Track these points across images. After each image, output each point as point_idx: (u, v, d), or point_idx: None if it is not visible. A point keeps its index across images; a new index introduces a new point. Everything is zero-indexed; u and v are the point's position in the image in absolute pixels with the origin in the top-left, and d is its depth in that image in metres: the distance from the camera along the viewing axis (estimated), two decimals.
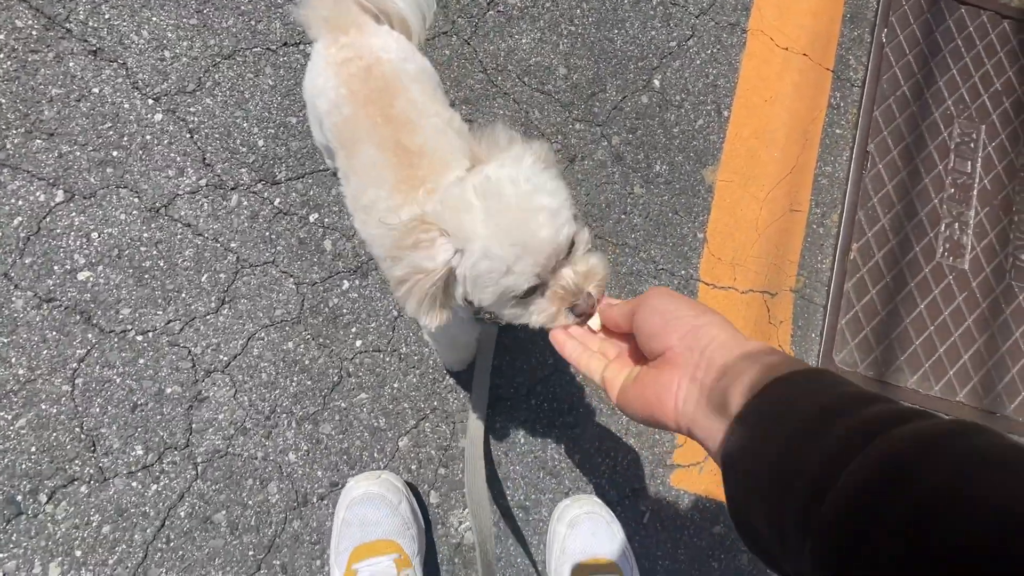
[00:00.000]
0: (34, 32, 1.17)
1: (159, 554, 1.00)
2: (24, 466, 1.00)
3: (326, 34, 0.80)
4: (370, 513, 0.96)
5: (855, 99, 1.40)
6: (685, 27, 1.36)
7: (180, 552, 1.00)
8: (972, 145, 1.42)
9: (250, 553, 1.02)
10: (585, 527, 1.00)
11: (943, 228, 1.37)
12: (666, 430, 0.47)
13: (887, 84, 1.42)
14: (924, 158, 1.40)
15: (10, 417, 1.01)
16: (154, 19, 1.20)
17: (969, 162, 1.41)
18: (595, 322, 0.60)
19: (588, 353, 0.58)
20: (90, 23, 1.18)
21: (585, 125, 1.28)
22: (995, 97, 1.45)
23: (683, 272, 1.25)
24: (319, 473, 1.06)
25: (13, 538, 0.98)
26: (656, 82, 1.33)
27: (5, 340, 1.03)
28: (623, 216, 1.25)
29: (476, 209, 0.56)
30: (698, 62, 1.35)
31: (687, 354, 0.45)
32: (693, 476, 1.15)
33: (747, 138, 1.34)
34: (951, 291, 1.34)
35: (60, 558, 0.98)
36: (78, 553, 0.98)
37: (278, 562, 1.02)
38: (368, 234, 0.79)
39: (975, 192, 1.39)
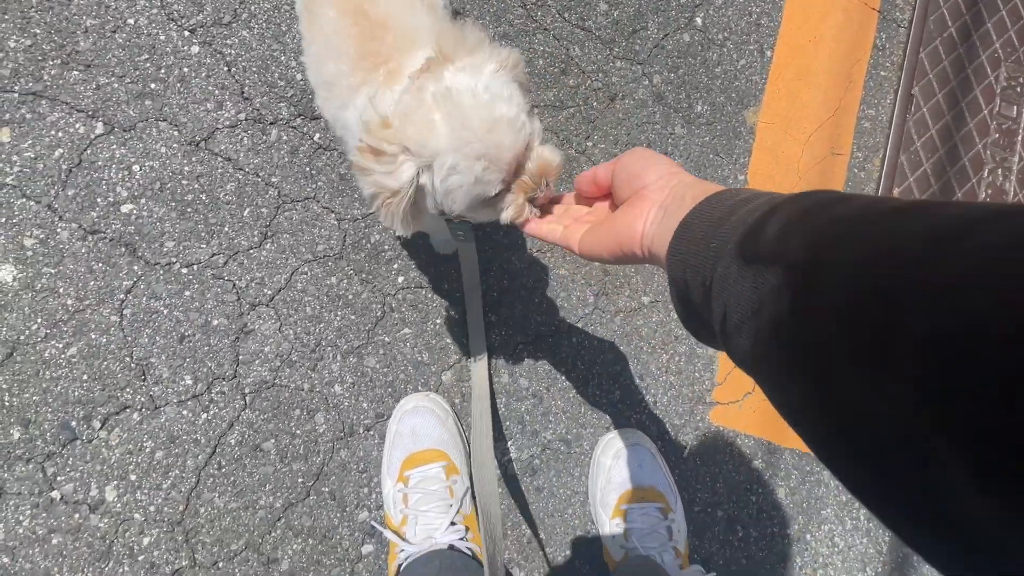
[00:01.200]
0: None
1: (211, 479, 1.02)
2: (77, 393, 1.01)
3: None
4: (420, 424, 1.00)
5: (901, 40, 1.37)
6: None
7: (232, 478, 1.02)
8: (1019, 89, 1.39)
9: (299, 480, 1.04)
10: (631, 457, 1.01)
11: (986, 174, 1.35)
12: (633, 261, 0.50)
13: (934, 25, 1.38)
14: (969, 102, 1.37)
15: (61, 346, 1.02)
16: None
17: (1015, 107, 1.38)
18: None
19: (546, 222, 0.63)
20: None
21: (626, 63, 1.26)
22: None
23: None
24: (364, 405, 1.07)
25: (69, 462, 1.00)
26: (698, 20, 1.30)
27: (52, 271, 1.04)
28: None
29: (438, 125, 0.56)
30: (741, 0, 1.32)
31: (660, 189, 0.49)
32: (732, 413, 1.16)
33: (790, 79, 1.31)
34: None
35: (115, 481, 1.00)
36: (132, 477, 1.00)
37: (327, 489, 1.04)
38: (331, 115, 0.75)
39: (1020, 138, 1.37)
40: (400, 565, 0.90)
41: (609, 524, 0.98)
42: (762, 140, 1.28)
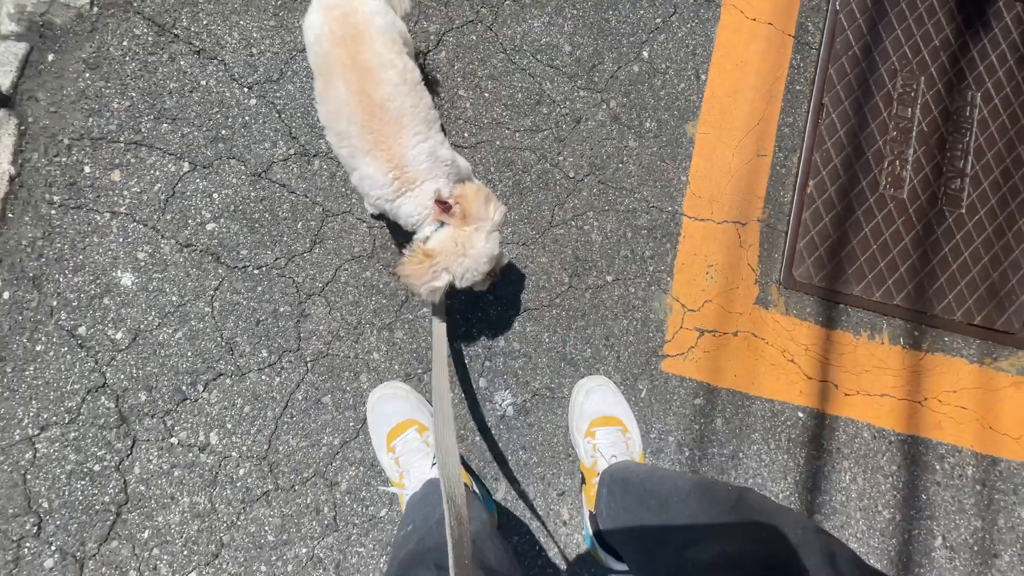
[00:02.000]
0: (149, 38, 1.48)
1: (286, 425, 1.37)
2: (184, 365, 1.36)
3: None
4: (388, 407, 1.32)
5: (813, 60, 1.68)
6: (668, 5, 1.64)
7: (300, 424, 1.37)
8: (913, 94, 1.70)
9: (350, 424, 1.38)
10: (597, 395, 1.35)
11: (886, 165, 1.66)
12: None
13: (840, 45, 1.69)
14: (871, 107, 1.68)
15: (170, 331, 1.37)
16: (242, 23, 1.51)
17: (910, 108, 1.69)
18: None
19: None
20: (192, 28, 1.49)
21: (588, 92, 1.58)
22: (933, 52, 1.71)
23: (670, 208, 1.57)
24: (396, 367, 1.42)
25: (183, 417, 1.35)
26: (645, 53, 1.62)
27: (160, 276, 1.39)
28: (620, 165, 1.56)
29: (466, 262, 1.08)
30: (680, 35, 1.64)
31: None
32: (679, 363, 1.49)
33: (721, 97, 1.63)
34: (891, 216, 1.65)
35: (216, 429, 1.35)
36: (229, 426, 1.36)
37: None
38: (338, 151, 1.10)
39: (914, 134, 1.68)
40: (407, 502, 1.20)
41: (583, 443, 1.31)
42: (700, 147, 1.60)
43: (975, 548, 1.48)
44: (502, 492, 1.40)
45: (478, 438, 1.41)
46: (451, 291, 1.14)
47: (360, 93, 1.02)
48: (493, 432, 1.41)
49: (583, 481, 1.33)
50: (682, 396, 1.47)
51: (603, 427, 1.30)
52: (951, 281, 1.63)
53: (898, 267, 1.63)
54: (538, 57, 1.57)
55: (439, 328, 1.10)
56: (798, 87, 1.66)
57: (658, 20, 1.63)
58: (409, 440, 1.25)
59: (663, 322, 1.51)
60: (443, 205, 1.06)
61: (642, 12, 1.63)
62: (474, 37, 1.56)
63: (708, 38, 1.64)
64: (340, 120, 1.05)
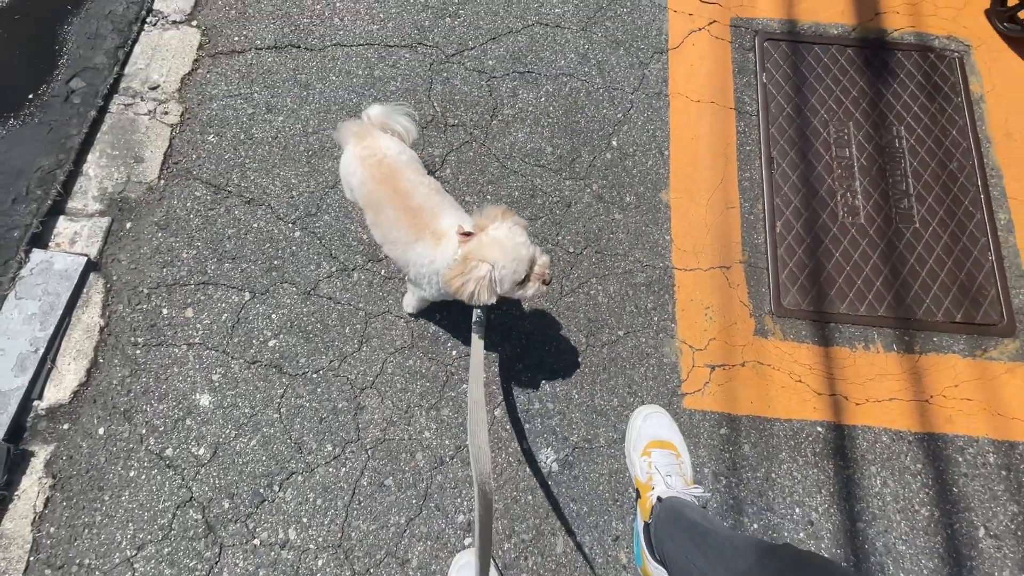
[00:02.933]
0: (207, 197, 1.80)
1: (355, 511, 1.50)
2: (260, 469, 1.52)
3: (355, 141, 1.39)
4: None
5: (755, 124, 1.99)
6: (625, 102, 1.98)
7: (368, 509, 1.50)
8: (846, 137, 1.99)
9: (413, 501, 1.51)
10: (655, 420, 1.50)
11: (839, 198, 1.91)
12: None
13: (775, 109, 2.02)
14: (813, 153, 1.96)
15: (246, 439, 1.54)
16: (282, 173, 1.83)
17: (847, 149, 1.97)
18: None
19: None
20: (242, 183, 1.82)
21: (572, 181, 1.87)
22: (855, 101, 2.03)
23: (661, 264, 1.80)
24: (446, 442, 1.57)
25: (262, 517, 1.48)
26: (614, 142, 1.93)
27: (233, 392, 1.59)
28: (611, 235, 1.82)
29: (495, 249, 1.19)
30: (639, 123, 1.96)
31: None
32: (699, 399, 1.64)
33: (685, 166, 1.92)
34: (856, 240, 1.87)
35: (294, 525, 1.48)
36: (304, 520, 1.49)
37: (433, 504, 1.51)
38: (396, 257, 1.38)
39: (856, 168, 1.95)
40: None
41: (639, 461, 1.44)
42: (676, 209, 1.87)
43: (1019, 533, 1.54)
44: (560, 546, 1.49)
45: (530, 497, 1.53)
46: (499, 307, 1.33)
47: (404, 208, 1.31)
48: (542, 490, 1.54)
49: (638, 496, 1.44)
50: (708, 429, 1.61)
51: (659, 449, 1.44)
52: (924, 287, 1.82)
53: (874, 282, 1.82)
54: (526, 160, 1.88)
55: (477, 344, 1.28)
56: (748, 147, 1.96)
57: (619, 115, 1.96)
58: None
59: (676, 364, 1.68)
60: (466, 235, 1.27)
61: (605, 111, 1.97)
62: (471, 153, 1.88)
63: (663, 121, 1.97)
64: (393, 231, 1.32)
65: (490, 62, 2.01)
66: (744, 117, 2.00)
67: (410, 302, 1.62)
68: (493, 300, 1.22)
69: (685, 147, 1.94)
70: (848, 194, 1.92)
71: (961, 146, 1.98)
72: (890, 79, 2.07)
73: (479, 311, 1.37)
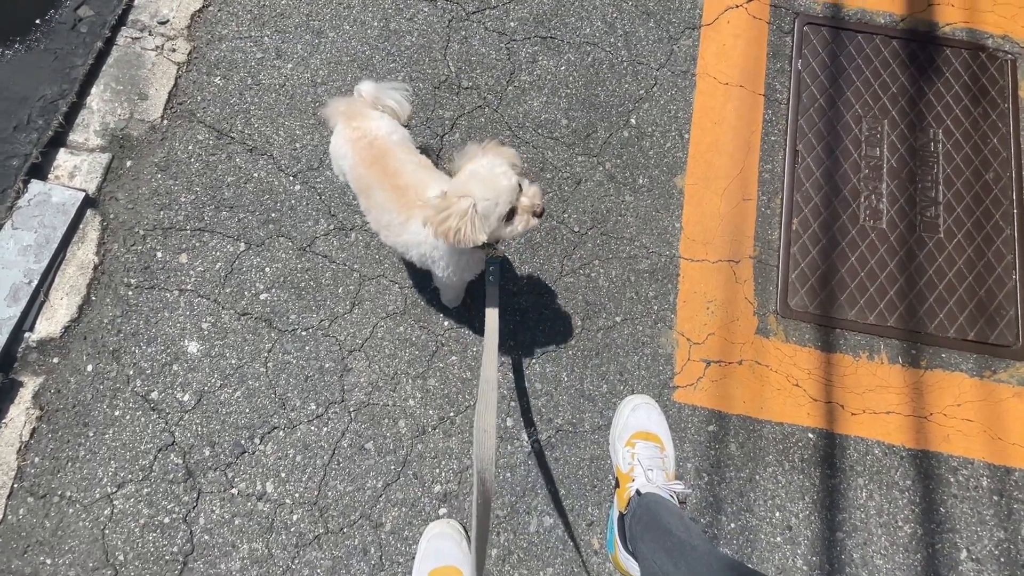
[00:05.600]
0: (210, 141, 1.76)
1: (333, 472, 1.50)
2: (243, 421, 1.52)
3: (344, 121, 1.33)
4: (443, 546, 1.39)
5: (783, 113, 1.89)
6: (649, 79, 1.89)
7: (347, 470, 1.50)
8: (879, 135, 1.88)
9: (392, 467, 1.51)
10: (643, 411, 1.47)
11: (862, 199, 1.82)
12: None
13: (806, 99, 1.91)
14: (841, 149, 1.87)
15: (231, 390, 1.54)
16: (286, 123, 1.78)
17: (878, 148, 1.87)
18: None
19: None
20: (246, 131, 1.77)
21: (585, 157, 1.80)
22: (892, 98, 1.91)
23: (667, 252, 1.73)
24: (430, 412, 1.56)
25: (242, 469, 1.49)
26: (633, 120, 1.85)
27: (221, 342, 1.58)
28: (619, 218, 1.75)
29: (474, 185, 1.11)
30: (662, 102, 1.87)
31: None
32: (690, 393, 1.60)
33: (704, 151, 1.83)
34: (874, 245, 1.79)
35: (272, 478, 1.49)
36: (283, 475, 1.49)
37: (411, 471, 1.51)
38: (392, 242, 1.33)
39: (885, 170, 1.85)
40: None
41: (623, 450, 1.41)
42: (690, 197, 1.79)
43: (1002, 560, 1.51)
44: (534, 525, 1.49)
45: (508, 474, 1.52)
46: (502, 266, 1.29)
47: (392, 188, 1.26)
48: (522, 468, 1.53)
49: (617, 484, 1.43)
50: (696, 424, 1.58)
51: (644, 440, 1.41)
52: (940, 301, 1.75)
53: (887, 291, 1.75)
54: (539, 131, 1.81)
55: (492, 316, 1.21)
56: (773, 138, 1.86)
57: (641, 92, 1.87)
58: None
59: (671, 356, 1.64)
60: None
61: (627, 86, 1.87)
62: (483, 119, 1.81)
63: (687, 102, 1.87)
64: (384, 215, 1.28)
65: (512, 23, 1.91)
66: (773, 105, 1.89)
67: (444, 294, 1.57)
68: (483, 238, 1.12)
69: (707, 131, 1.85)
70: (873, 196, 1.83)
71: (1000, 156, 1.87)
72: (934, 77, 1.94)
73: (492, 274, 1.30)
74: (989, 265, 1.78)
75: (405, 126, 1.41)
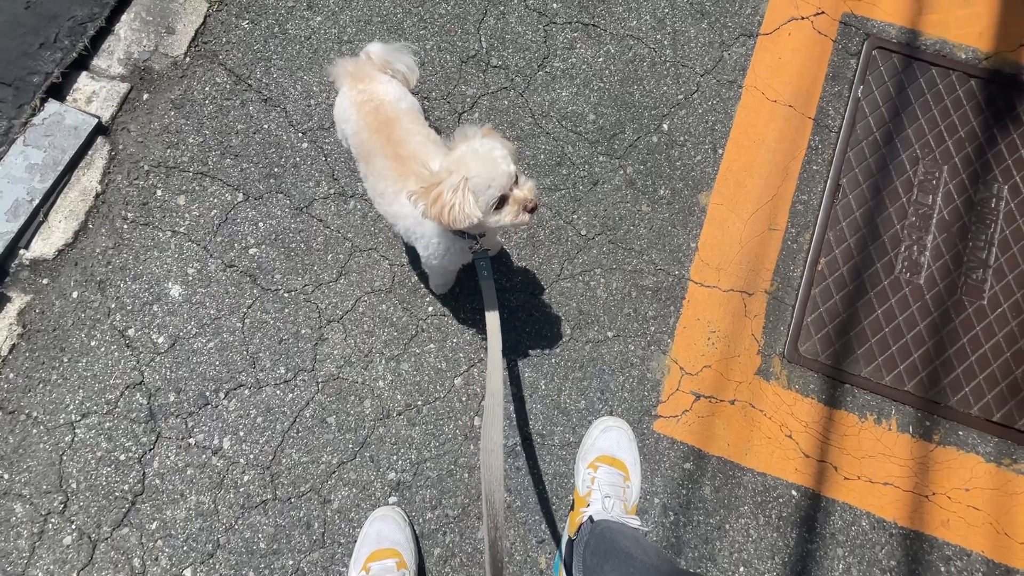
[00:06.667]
0: (227, 85, 1.72)
1: (291, 440, 1.47)
2: (211, 373, 1.51)
3: (350, 83, 1.25)
4: (384, 528, 1.34)
5: (831, 142, 1.73)
6: (691, 84, 1.75)
7: (305, 440, 1.47)
8: (934, 182, 1.71)
9: (350, 446, 1.47)
10: (614, 434, 1.39)
11: (903, 249, 1.66)
12: None
13: (861, 130, 1.74)
14: (890, 191, 1.70)
15: (205, 340, 1.52)
16: (305, 77, 1.72)
17: (931, 196, 1.70)
18: None
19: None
20: (264, 80, 1.72)
21: (607, 158, 1.69)
22: (958, 143, 1.73)
23: (676, 272, 1.62)
24: (398, 396, 1.51)
25: (203, 420, 1.48)
26: (665, 126, 1.72)
27: (203, 290, 1.56)
28: (632, 227, 1.64)
29: (470, 160, 1.03)
30: (700, 111, 1.73)
31: None
32: (671, 425, 1.50)
33: (737, 171, 1.70)
34: (906, 301, 1.63)
35: (230, 435, 1.47)
36: (241, 433, 1.47)
37: (368, 454, 1.47)
38: (383, 211, 1.26)
39: (934, 221, 1.68)
40: None
41: (584, 472, 1.34)
42: (712, 217, 1.67)
43: None
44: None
45: (466, 475, 1.46)
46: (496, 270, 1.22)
47: (394, 157, 1.19)
48: (480, 472, 1.46)
49: (572, 507, 1.36)
50: (672, 459, 1.48)
51: (608, 465, 1.33)
52: (968, 373, 1.58)
53: (911, 353, 1.60)
54: (563, 123, 1.71)
55: (493, 320, 1.13)
56: (815, 167, 1.71)
57: (680, 97, 1.74)
58: (387, 568, 1.28)
59: (660, 382, 1.53)
60: None
61: (665, 88, 1.74)
62: (506, 102, 1.72)
63: (728, 115, 1.73)
64: (380, 182, 1.21)
65: (555, 5, 1.80)
66: (822, 131, 1.73)
67: (433, 279, 1.50)
68: (479, 214, 1.04)
69: (743, 150, 1.71)
70: (915, 247, 1.66)
71: None
72: (1011, 126, 1.74)
73: (485, 269, 1.21)
74: None
75: (413, 92, 1.33)
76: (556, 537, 1.42)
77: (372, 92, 1.25)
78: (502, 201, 1.06)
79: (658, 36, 1.78)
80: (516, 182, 1.07)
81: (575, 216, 1.65)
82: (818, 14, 1.81)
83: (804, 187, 1.70)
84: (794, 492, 1.47)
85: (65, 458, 1.44)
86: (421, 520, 1.43)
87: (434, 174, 1.07)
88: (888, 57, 1.79)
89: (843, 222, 1.68)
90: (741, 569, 1.41)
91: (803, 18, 1.81)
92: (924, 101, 1.76)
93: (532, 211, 1.08)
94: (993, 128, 1.74)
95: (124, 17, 1.79)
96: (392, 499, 1.44)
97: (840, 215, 1.68)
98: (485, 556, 0.81)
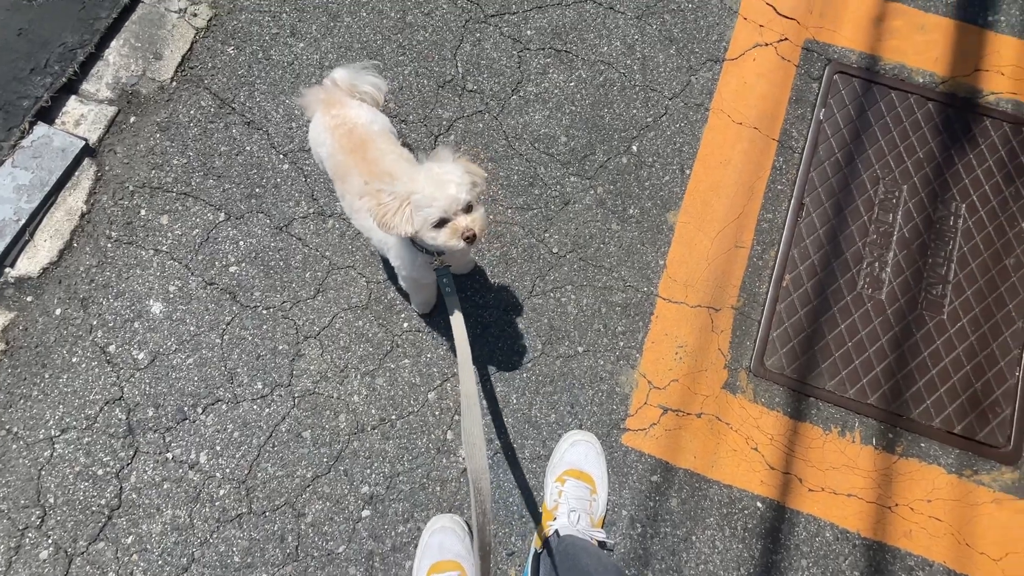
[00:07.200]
0: (212, 109, 1.78)
1: (267, 454, 1.50)
2: (190, 388, 1.54)
3: (323, 109, 1.32)
4: (446, 540, 1.37)
5: (795, 162, 1.79)
6: (660, 107, 1.82)
7: (280, 454, 1.50)
8: (895, 201, 1.77)
9: (324, 460, 1.50)
10: (582, 448, 1.42)
11: (865, 265, 1.72)
12: None
13: (823, 151, 1.80)
14: (851, 210, 1.76)
15: (184, 356, 1.56)
16: (287, 101, 1.78)
17: (891, 214, 1.76)
18: None
19: None
20: (247, 103, 1.78)
21: (578, 178, 1.75)
22: (917, 163, 1.79)
23: (645, 289, 1.67)
24: (373, 411, 1.54)
25: (180, 435, 1.51)
26: (634, 148, 1.78)
27: (184, 307, 1.60)
28: (602, 246, 1.70)
29: (422, 178, 1.09)
30: (668, 133, 1.80)
31: None
32: (639, 438, 1.54)
33: (704, 191, 1.76)
34: (868, 316, 1.68)
35: (207, 450, 1.50)
36: (218, 448, 1.50)
37: (343, 468, 1.49)
38: (360, 226, 1.32)
39: (895, 238, 1.74)
40: None
41: (552, 485, 1.37)
42: (680, 235, 1.72)
43: None
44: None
45: (438, 488, 1.49)
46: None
47: (370, 174, 1.24)
48: (452, 484, 1.49)
49: (539, 520, 1.38)
50: (639, 471, 1.51)
51: (575, 479, 1.36)
52: (930, 386, 1.63)
53: (874, 367, 1.64)
54: (535, 145, 1.77)
55: (459, 329, 1.17)
56: (779, 187, 1.77)
57: (649, 119, 1.81)
58: None
59: (628, 396, 1.57)
60: None
61: (635, 111, 1.81)
62: (481, 125, 1.78)
63: (695, 137, 1.80)
64: (356, 199, 1.26)
65: (529, 32, 1.87)
66: (786, 152, 1.80)
67: (412, 298, 1.55)
68: (409, 229, 1.10)
69: (710, 170, 1.77)
70: (877, 264, 1.72)
71: None
72: (967, 147, 1.81)
73: (447, 285, 1.25)
74: (992, 357, 1.65)
75: (390, 114, 1.39)
76: (525, 550, 1.45)
77: (345, 116, 1.31)
78: (443, 222, 1.11)
79: (628, 61, 1.86)
80: (468, 210, 1.12)
81: (547, 235, 1.70)
82: (781, 40, 1.89)
83: (769, 206, 1.76)
84: (759, 504, 1.51)
85: (44, 473, 1.47)
86: (393, 533, 1.45)
87: (391, 184, 1.13)
88: (849, 81, 1.86)
89: (807, 239, 1.74)
90: None
91: (767, 44, 1.89)
92: (884, 123, 1.83)
93: (469, 240, 1.12)
94: (950, 149, 1.81)
95: (113, 43, 1.85)
96: (365, 512, 1.47)
97: (804, 233, 1.74)
98: (474, 542, 0.85)
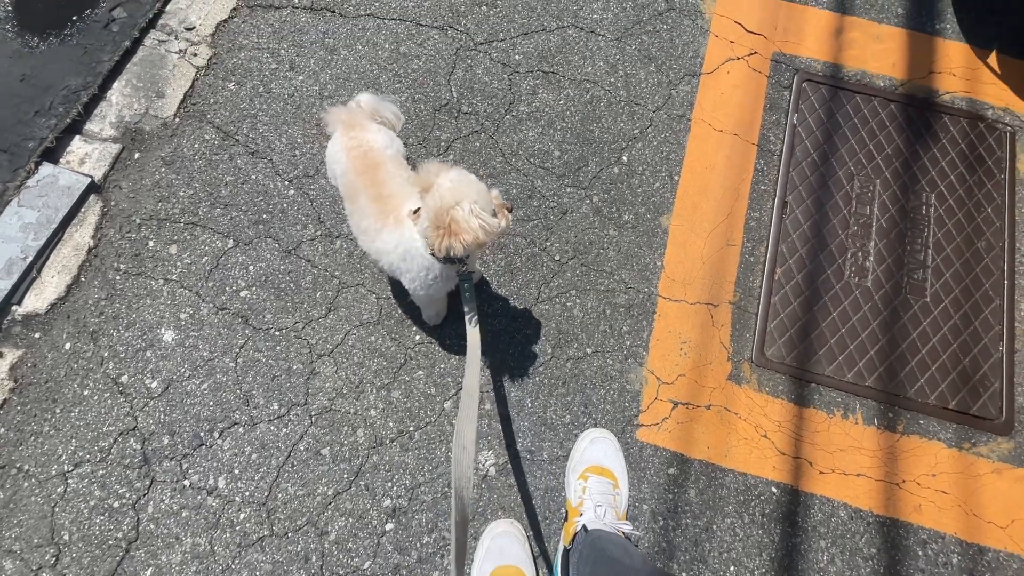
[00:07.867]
0: (216, 141, 1.83)
1: (287, 474, 1.50)
2: (205, 414, 1.54)
3: (343, 130, 1.39)
4: (506, 545, 1.38)
5: (775, 164, 1.91)
6: (645, 119, 1.93)
7: (300, 474, 1.50)
8: (870, 194, 1.89)
9: (345, 476, 1.50)
10: (600, 445, 1.45)
11: (849, 256, 1.82)
12: None
13: (800, 153, 1.93)
14: (831, 205, 1.87)
15: (198, 381, 1.56)
16: (290, 130, 1.85)
17: (868, 207, 1.87)
18: None
19: None
20: (251, 135, 1.84)
21: (574, 189, 1.83)
22: (887, 159, 1.92)
23: (646, 290, 1.74)
24: (390, 424, 1.56)
25: (197, 461, 1.50)
26: (624, 158, 1.88)
27: (196, 333, 1.61)
28: (601, 251, 1.77)
29: (463, 187, 1.18)
30: (655, 143, 1.90)
31: None
32: (653, 433, 1.58)
33: (693, 194, 1.85)
34: (857, 302, 1.77)
35: (225, 474, 1.49)
36: (236, 471, 1.50)
37: (363, 483, 1.50)
38: (367, 247, 1.38)
39: (874, 228, 1.85)
40: None
41: (575, 483, 1.39)
42: (674, 237, 1.80)
43: None
44: (450, 522, 1.46)
45: None
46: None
47: (375, 197, 1.30)
48: (475, 491, 1.50)
49: (566, 518, 1.40)
50: (656, 465, 1.55)
51: (597, 475, 1.39)
52: (922, 365, 1.71)
53: (868, 350, 1.72)
54: (531, 160, 1.85)
55: (474, 335, 1.23)
56: (763, 187, 1.88)
57: (636, 131, 1.91)
58: None
59: (639, 393, 1.62)
60: (416, 212, 1.26)
61: (622, 125, 1.92)
62: (478, 144, 1.86)
63: (680, 145, 1.91)
64: (363, 220, 1.32)
65: (517, 56, 1.99)
66: (765, 155, 1.92)
67: (425, 311, 1.59)
68: (477, 233, 1.15)
69: (697, 175, 1.87)
70: (860, 253, 1.82)
71: (994, 225, 1.86)
72: (930, 142, 1.95)
73: (467, 291, 1.29)
74: (975, 334, 1.74)
75: (398, 135, 1.47)
76: (550, 551, 1.46)
77: (362, 139, 1.37)
78: (493, 212, 1.19)
79: (612, 79, 1.98)
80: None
81: (548, 243, 1.77)
82: (751, 54, 2.03)
83: (755, 205, 1.86)
84: (774, 489, 1.54)
85: (57, 509, 1.44)
86: (419, 544, 1.45)
87: (436, 212, 1.17)
88: (817, 88, 2.00)
89: (793, 235, 1.83)
90: (731, 568, 1.46)
91: (739, 58, 2.03)
92: (852, 124, 1.96)
93: (511, 209, 1.24)
94: (915, 144, 1.94)
95: (116, 84, 1.91)
96: (389, 526, 1.47)
97: (790, 228, 1.84)
98: (451, 546, 0.82)
